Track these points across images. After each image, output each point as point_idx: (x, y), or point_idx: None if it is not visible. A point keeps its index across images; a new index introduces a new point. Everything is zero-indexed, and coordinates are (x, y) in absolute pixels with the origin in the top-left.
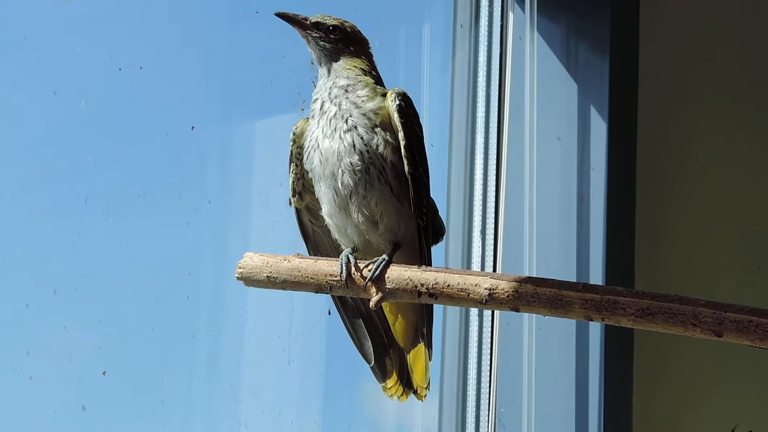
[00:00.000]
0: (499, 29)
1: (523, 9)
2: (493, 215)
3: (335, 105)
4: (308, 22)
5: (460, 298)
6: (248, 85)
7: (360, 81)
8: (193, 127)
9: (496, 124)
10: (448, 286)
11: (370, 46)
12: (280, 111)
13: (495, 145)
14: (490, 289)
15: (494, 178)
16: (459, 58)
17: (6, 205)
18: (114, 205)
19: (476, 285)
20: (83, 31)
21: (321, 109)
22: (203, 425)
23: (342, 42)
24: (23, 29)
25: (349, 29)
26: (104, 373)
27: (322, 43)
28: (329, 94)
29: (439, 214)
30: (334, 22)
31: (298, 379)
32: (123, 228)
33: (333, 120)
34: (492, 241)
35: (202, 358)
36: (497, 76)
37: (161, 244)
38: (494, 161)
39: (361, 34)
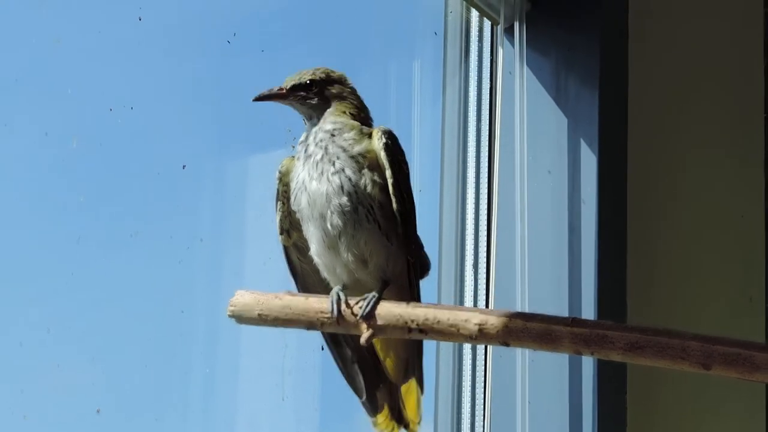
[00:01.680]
0: (488, 64)
1: (512, 43)
2: (485, 249)
3: (320, 148)
4: (286, 91)
5: (450, 334)
6: (239, 123)
7: (346, 125)
8: (184, 166)
9: (486, 158)
10: (438, 322)
11: (348, 79)
12: (271, 148)
13: (486, 179)
14: (479, 325)
15: (486, 212)
16: (449, 92)
17: None
18: (106, 244)
19: (466, 320)
20: (74, 72)
21: (306, 152)
22: None
23: (323, 90)
24: (14, 71)
25: (324, 75)
26: (98, 411)
27: (308, 101)
28: (314, 138)
29: (425, 249)
30: (309, 77)
31: (293, 413)
32: (115, 267)
33: (320, 163)
34: (484, 277)
35: (196, 394)
36: (488, 110)
37: (154, 283)
38: (485, 195)
39: (336, 73)
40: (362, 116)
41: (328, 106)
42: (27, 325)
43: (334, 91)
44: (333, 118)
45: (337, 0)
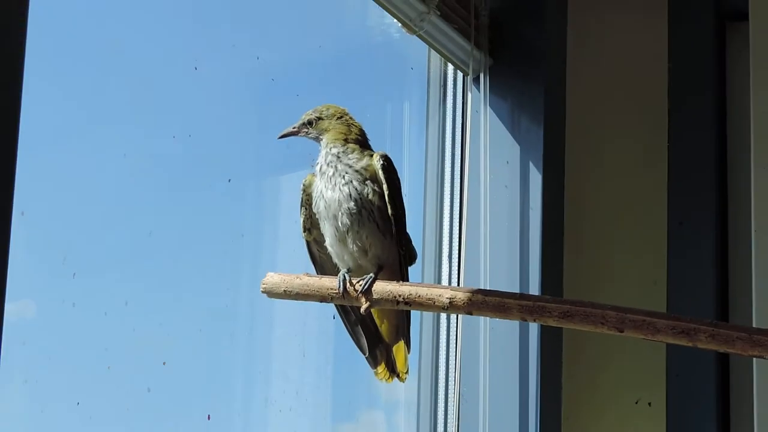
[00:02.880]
0: (461, 105)
1: (479, 90)
2: (457, 244)
3: (332, 167)
4: (297, 128)
5: (428, 305)
6: (273, 148)
7: (348, 147)
8: (230, 180)
9: (459, 176)
10: (419, 296)
11: (346, 113)
12: (296, 168)
13: (458, 192)
14: (450, 299)
15: (458, 216)
16: (431, 126)
17: (87, 239)
18: (171, 238)
19: (440, 295)
20: (144, 108)
21: (320, 170)
22: (241, 401)
23: (321, 124)
24: (93, 107)
25: (321, 115)
26: (164, 364)
27: (311, 135)
28: (325, 159)
29: (413, 243)
30: (310, 117)
31: (311, 368)
32: (177, 256)
33: (332, 178)
34: (456, 263)
35: (240, 353)
36: (460, 139)
37: (206, 268)
38: (458, 204)
39: (335, 110)
40: (354, 138)
41: (325, 134)
42: (110, 300)
43: (324, 126)
44: (334, 143)
45: (350, 58)
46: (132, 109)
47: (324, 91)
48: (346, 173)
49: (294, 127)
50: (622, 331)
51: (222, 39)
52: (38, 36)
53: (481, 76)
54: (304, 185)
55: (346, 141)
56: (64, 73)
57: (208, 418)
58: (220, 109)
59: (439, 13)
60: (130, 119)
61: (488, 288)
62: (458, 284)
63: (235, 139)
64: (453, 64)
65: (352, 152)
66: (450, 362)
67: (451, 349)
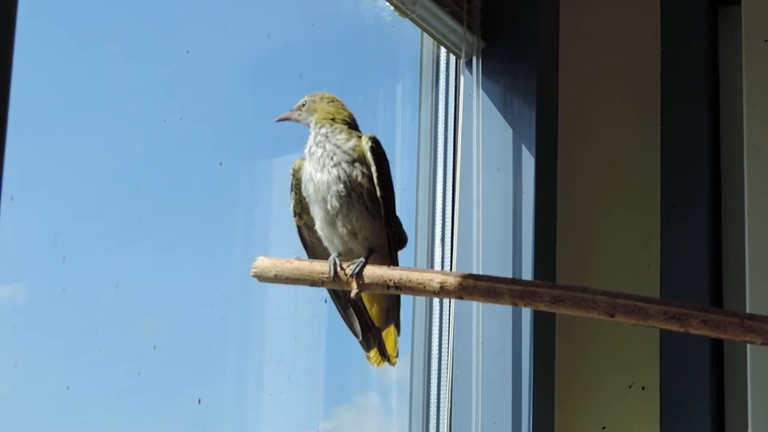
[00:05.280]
0: (453, 88)
1: (471, 72)
2: (450, 228)
3: (320, 148)
4: (292, 112)
5: (419, 290)
6: (265, 132)
7: (336, 128)
8: (221, 163)
9: (451, 159)
10: (410, 281)
11: (337, 99)
12: (288, 152)
13: (451, 175)
14: (441, 283)
15: (451, 199)
16: (424, 110)
17: (76, 223)
18: (161, 222)
19: (431, 280)
20: (135, 91)
21: (309, 151)
22: (232, 384)
23: (312, 106)
24: (84, 91)
25: (314, 99)
26: (155, 347)
27: (302, 116)
28: (314, 140)
29: (404, 227)
30: (305, 100)
31: (304, 351)
32: (168, 240)
33: (320, 159)
34: (449, 247)
35: (233, 336)
36: (452, 122)
37: (198, 251)
38: (451, 186)
39: (328, 95)
40: (341, 119)
41: (314, 116)
42: (101, 283)
43: (313, 107)
44: (323, 123)
45: (343, 41)
46: (123, 92)
47: (317, 74)
48: (335, 154)
49: (291, 111)
50: (613, 317)
51: (213, 22)
52: (29, 20)
53: (474, 59)
54: (293, 169)
55: (333, 120)
56: (54, 56)
57: (199, 402)
58: (211, 92)
59: None
60: (122, 103)
61: (481, 272)
62: (451, 268)
63: (227, 122)
64: (445, 47)
65: (340, 132)
66: (443, 345)
67: (444, 332)
